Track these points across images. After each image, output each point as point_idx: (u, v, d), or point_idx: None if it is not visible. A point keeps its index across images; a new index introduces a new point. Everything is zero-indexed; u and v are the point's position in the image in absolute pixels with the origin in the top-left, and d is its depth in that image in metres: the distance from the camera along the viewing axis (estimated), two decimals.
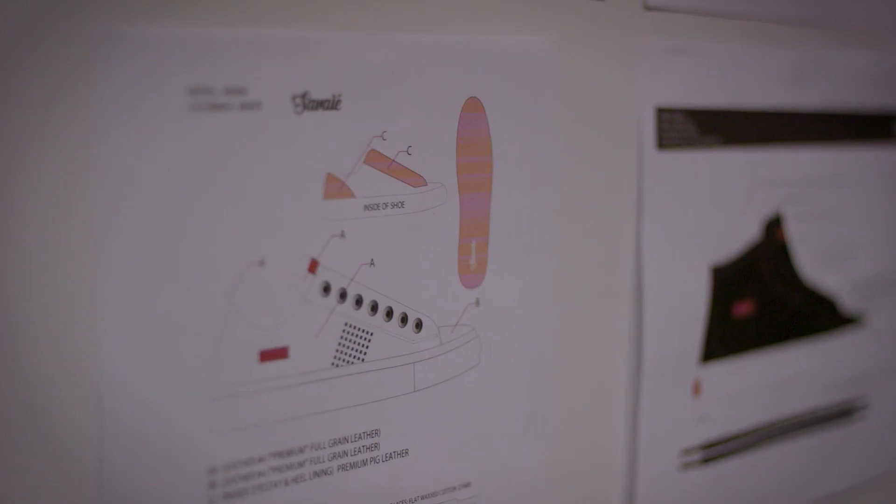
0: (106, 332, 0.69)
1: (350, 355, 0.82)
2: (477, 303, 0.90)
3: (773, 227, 1.16)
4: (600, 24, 0.97)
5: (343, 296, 0.81)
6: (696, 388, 1.11)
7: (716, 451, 1.14)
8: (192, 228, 0.72)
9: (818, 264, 1.23)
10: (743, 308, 1.15)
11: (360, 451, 0.83)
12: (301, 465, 0.79)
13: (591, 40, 0.97)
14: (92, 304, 0.68)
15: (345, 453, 0.82)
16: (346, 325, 0.81)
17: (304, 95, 0.76)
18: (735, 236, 1.13)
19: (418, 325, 0.86)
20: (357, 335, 0.82)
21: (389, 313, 0.84)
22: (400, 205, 0.83)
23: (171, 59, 0.70)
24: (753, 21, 1.12)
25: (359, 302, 0.82)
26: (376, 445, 0.84)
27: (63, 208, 0.67)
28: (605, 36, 0.98)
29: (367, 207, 0.81)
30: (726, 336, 1.13)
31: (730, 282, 1.12)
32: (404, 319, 0.85)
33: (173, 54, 0.70)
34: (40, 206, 0.66)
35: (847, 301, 1.27)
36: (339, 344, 0.81)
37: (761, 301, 1.17)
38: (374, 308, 0.83)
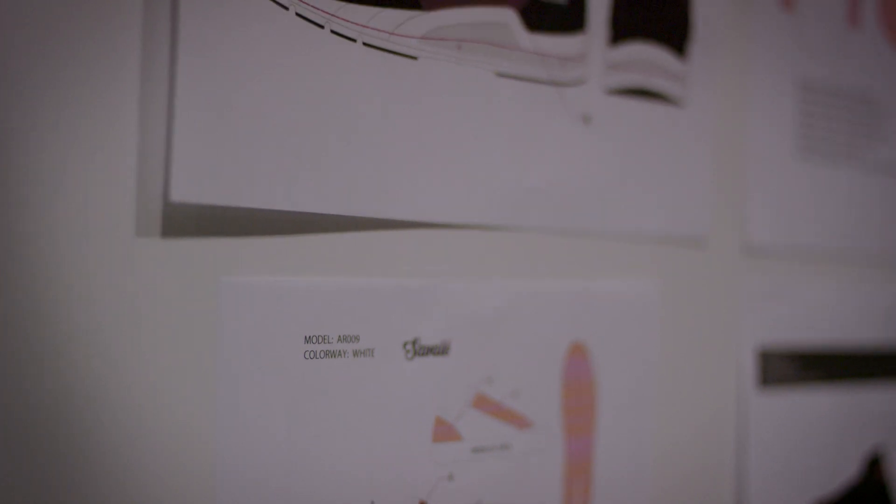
0: None
1: None
2: None
3: (874, 465, 1.12)
4: (701, 269, 0.96)
5: None
6: None
7: None
8: (306, 469, 0.70)
9: None
10: None
11: None
12: None
13: (692, 284, 0.96)
14: None
15: None
16: None
17: (414, 342, 0.76)
18: (836, 474, 1.09)
19: None
20: None
21: None
22: (506, 447, 0.81)
23: (290, 307, 0.69)
24: (850, 262, 1.10)
25: None
26: None
27: (186, 443, 0.66)
28: (706, 280, 0.97)
29: (474, 450, 0.79)
30: None
31: None
32: None
33: (291, 303, 0.70)
34: (164, 443, 0.65)
35: None
36: None
37: None
38: None
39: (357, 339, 0.73)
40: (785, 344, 1.04)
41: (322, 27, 0.70)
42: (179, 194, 0.64)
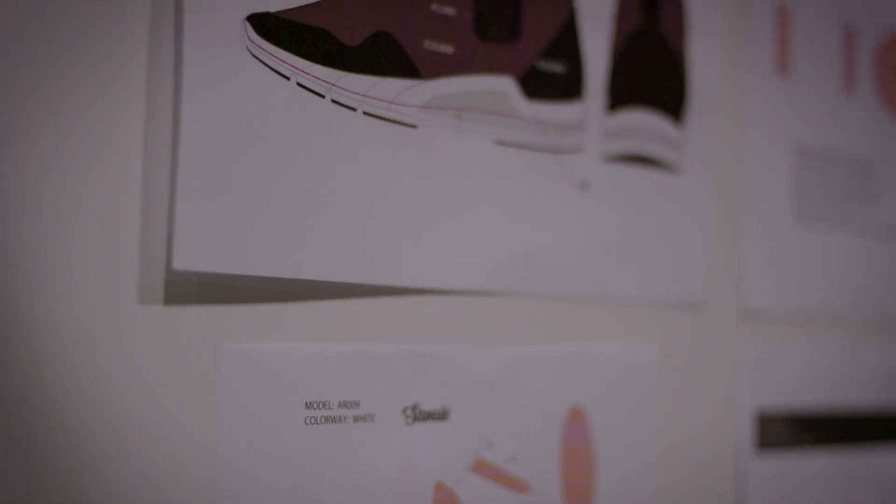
0: None
1: None
2: None
3: None
4: (699, 333, 0.97)
5: None
6: None
7: None
8: None
9: None
10: None
11: None
12: None
13: (690, 348, 0.96)
14: None
15: None
16: None
17: (414, 407, 0.76)
18: None
19: None
20: None
21: None
22: None
23: (291, 374, 0.70)
24: (847, 326, 1.10)
25: None
26: None
27: None
28: (703, 344, 0.97)
29: None
30: None
31: None
32: None
33: (292, 370, 0.70)
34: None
35: None
36: None
37: None
38: None
39: (357, 404, 0.73)
40: (783, 407, 1.04)
41: (323, 97, 0.71)
42: (182, 262, 0.65)
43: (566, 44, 0.85)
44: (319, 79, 0.71)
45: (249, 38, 0.67)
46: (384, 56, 0.74)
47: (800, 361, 1.06)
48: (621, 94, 0.89)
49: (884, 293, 1.14)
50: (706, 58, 0.96)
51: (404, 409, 0.75)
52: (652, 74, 0.92)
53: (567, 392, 0.85)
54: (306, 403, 0.70)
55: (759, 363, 1.02)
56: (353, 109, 0.72)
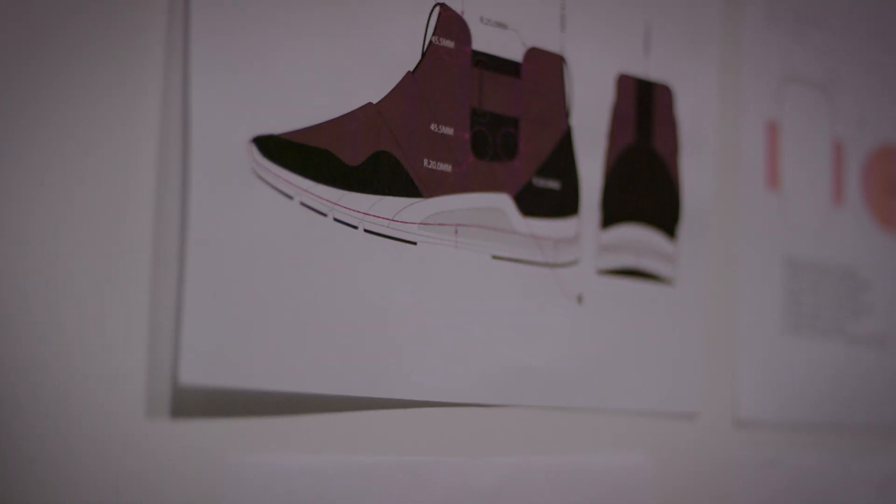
0: None
1: None
2: None
3: None
4: (693, 443, 0.97)
5: None
6: None
7: None
8: None
9: None
10: None
11: None
12: None
13: (685, 458, 0.96)
14: None
15: None
16: None
17: None
18: None
19: None
20: None
21: None
22: None
23: (294, 486, 0.70)
24: (839, 434, 1.11)
25: None
26: None
27: None
28: (698, 453, 0.98)
29: None
30: None
31: None
32: None
33: (296, 482, 0.70)
34: None
35: None
36: None
37: None
38: None
39: None
40: None
41: (325, 215, 0.72)
42: (188, 377, 0.66)
43: (561, 161, 0.87)
44: (322, 198, 0.72)
45: (255, 160, 0.69)
46: (385, 175, 0.76)
47: (793, 470, 1.06)
48: (615, 210, 0.91)
49: (874, 402, 1.14)
50: (698, 173, 0.98)
51: None
52: (645, 190, 0.93)
53: (564, 502, 0.86)
54: None
55: (753, 472, 1.02)
56: (355, 227, 0.74)
